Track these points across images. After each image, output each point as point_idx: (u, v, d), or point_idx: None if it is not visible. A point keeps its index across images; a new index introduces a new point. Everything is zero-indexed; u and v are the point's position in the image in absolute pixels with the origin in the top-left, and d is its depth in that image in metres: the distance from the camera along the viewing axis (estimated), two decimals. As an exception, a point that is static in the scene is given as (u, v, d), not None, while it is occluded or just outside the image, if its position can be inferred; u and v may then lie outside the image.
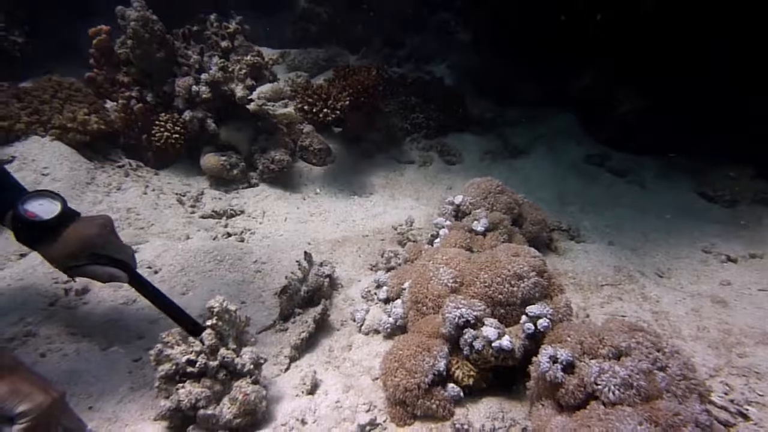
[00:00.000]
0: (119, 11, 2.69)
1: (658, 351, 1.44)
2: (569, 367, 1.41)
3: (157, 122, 2.88)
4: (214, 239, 2.55)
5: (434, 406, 1.57)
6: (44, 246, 1.56)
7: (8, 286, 2.03)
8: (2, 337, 1.78)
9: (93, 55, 2.82)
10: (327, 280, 2.20)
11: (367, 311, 2.09)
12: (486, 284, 1.75)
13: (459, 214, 2.50)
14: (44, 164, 2.57)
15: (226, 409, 1.52)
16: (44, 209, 1.57)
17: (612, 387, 1.32)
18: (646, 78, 3.79)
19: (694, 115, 3.49)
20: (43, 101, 2.73)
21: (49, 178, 2.53)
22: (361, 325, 2.05)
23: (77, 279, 1.70)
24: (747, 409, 1.57)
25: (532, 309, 1.63)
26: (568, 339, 1.48)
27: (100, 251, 1.60)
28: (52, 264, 1.60)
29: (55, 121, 2.65)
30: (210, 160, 2.96)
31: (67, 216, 1.59)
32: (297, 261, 2.18)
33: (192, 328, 1.62)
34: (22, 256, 2.19)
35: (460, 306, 1.63)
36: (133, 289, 1.66)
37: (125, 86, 2.87)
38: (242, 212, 2.87)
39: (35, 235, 1.56)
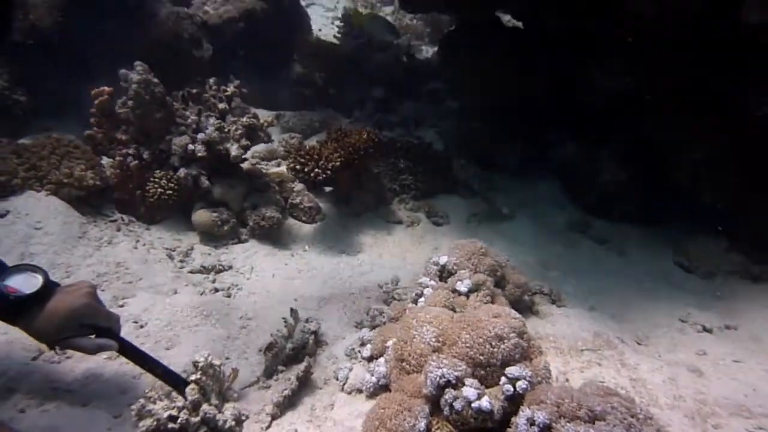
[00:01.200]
0: (122, 74, 2.83)
1: (632, 417, 1.48)
2: (546, 430, 1.44)
3: (152, 179, 2.96)
4: (201, 294, 2.58)
5: (414, 468, 1.58)
6: (28, 321, 1.56)
7: (-10, 338, 2.03)
8: (-17, 392, 1.78)
9: (94, 114, 2.94)
10: (312, 336, 2.23)
11: (351, 369, 2.11)
12: (467, 345, 1.79)
13: (444, 274, 2.56)
14: (37, 218, 2.62)
15: (204, 468, 1.52)
16: (26, 283, 1.57)
17: (587, 450, 1.34)
18: (626, 149, 3.99)
19: (671, 187, 3.65)
20: (41, 157, 2.81)
21: (42, 231, 2.57)
22: (344, 384, 2.07)
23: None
24: (722, 478, 1.58)
25: (512, 371, 1.67)
26: (547, 402, 1.52)
27: (86, 321, 1.62)
28: (37, 339, 1.60)
29: (52, 176, 2.72)
30: (201, 215, 3.03)
31: (49, 288, 1.60)
32: (283, 318, 2.21)
33: (183, 388, 1.64)
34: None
35: (442, 366, 1.67)
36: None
37: (123, 144, 2.97)
38: (231, 268, 2.90)
39: (16, 311, 1.55)
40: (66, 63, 4.22)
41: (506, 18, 5.07)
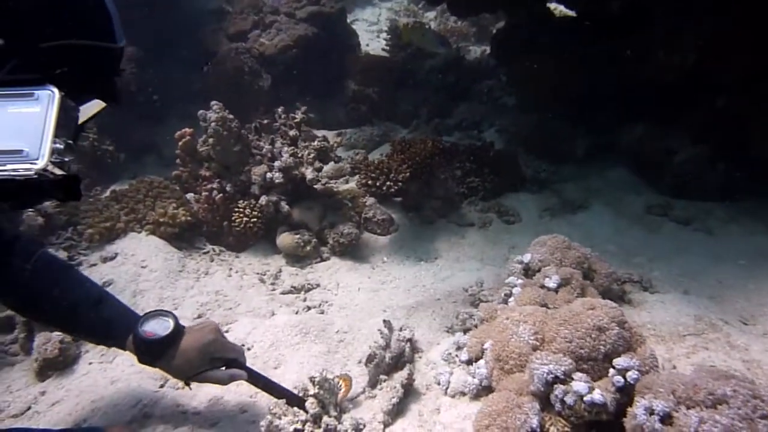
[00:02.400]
0: (201, 115, 3.03)
1: (756, 398, 1.44)
2: (666, 418, 1.43)
3: (236, 209, 3.14)
4: (296, 313, 2.71)
5: (531, 464, 1.60)
6: (165, 361, 1.73)
7: (122, 372, 2.23)
8: (124, 420, 1.96)
9: (179, 156, 3.16)
10: (408, 344, 2.29)
11: (451, 373, 2.15)
12: (567, 339, 1.80)
13: (528, 272, 2.57)
14: (142, 257, 2.85)
15: (332, 476, 1.61)
16: (159, 327, 1.74)
17: (714, 435, 1.33)
18: (699, 125, 3.84)
19: (754, 159, 3.48)
20: (137, 201, 3.06)
21: (147, 269, 2.80)
22: (447, 388, 2.11)
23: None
24: None
25: (620, 362, 1.67)
26: (661, 390, 1.51)
27: (216, 355, 1.77)
28: (174, 376, 1.80)
29: (149, 217, 2.96)
30: (285, 239, 3.18)
31: (179, 329, 1.77)
32: (379, 330, 2.29)
33: (303, 405, 1.78)
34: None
35: (548, 362, 1.69)
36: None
37: (207, 179, 3.18)
38: (318, 285, 3.03)
39: (156, 352, 1.73)
40: (141, 110, 4.56)
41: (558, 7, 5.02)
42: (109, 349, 2.33)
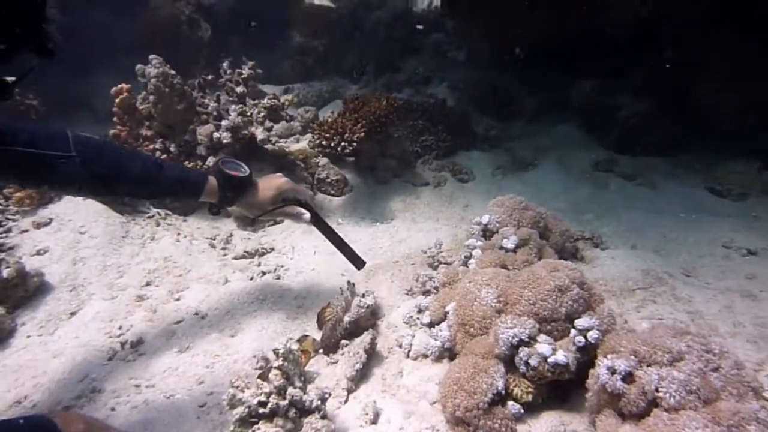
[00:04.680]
0: (139, 69, 2.79)
1: (708, 352, 1.52)
2: (628, 377, 1.48)
3: (181, 170, 2.96)
4: (251, 279, 2.62)
5: (496, 424, 1.63)
6: (246, 197, 2.00)
7: (65, 344, 2.10)
8: (71, 396, 1.85)
9: (116, 114, 2.92)
10: (368, 309, 2.27)
11: (413, 336, 2.16)
12: (530, 302, 1.82)
13: (487, 233, 2.58)
14: (80, 223, 2.65)
15: (300, 447, 1.59)
16: (238, 170, 2.00)
17: (673, 393, 1.39)
18: (645, 80, 3.92)
19: (694, 113, 3.61)
20: (71, 161, 2.81)
21: (87, 235, 2.61)
22: (409, 351, 2.12)
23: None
24: (797, 400, 1.63)
25: (581, 322, 1.70)
26: (622, 349, 1.55)
27: (289, 196, 2.07)
28: (251, 212, 2.05)
29: (87, 179, 2.73)
30: (235, 201, 3.04)
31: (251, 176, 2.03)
32: (340, 288, 2.25)
33: (357, 264, 2.20)
34: (73, 314, 2.26)
35: (513, 326, 1.71)
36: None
37: (149, 139, 2.97)
38: (273, 250, 2.94)
39: (241, 189, 1.98)
40: (67, 60, 4.18)
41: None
42: (48, 321, 2.19)
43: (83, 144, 1.66)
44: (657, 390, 1.41)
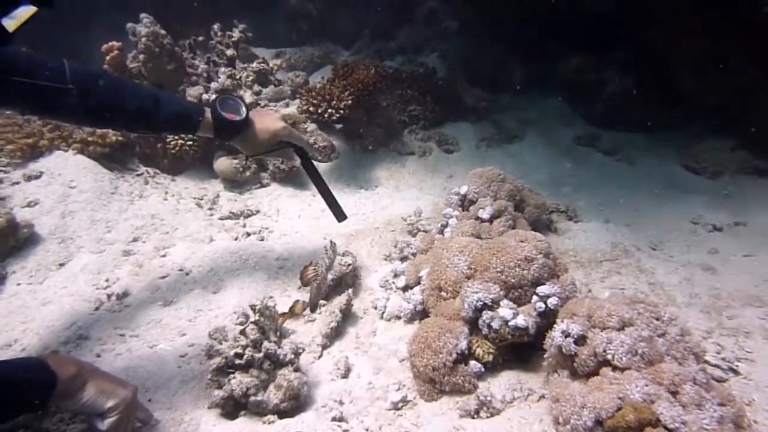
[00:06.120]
0: (130, 28, 2.80)
1: (657, 319, 1.63)
2: (581, 340, 1.59)
3: (170, 131, 3.00)
4: (236, 239, 2.70)
5: (460, 381, 1.76)
6: (242, 138, 2.01)
7: (54, 293, 2.18)
8: (58, 341, 1.94)
9: (107, 72, 2.94)
10: (349, 268, 2.36)
11: (388, 299, 2.26)
12: (498, 269, 1.93)
13: (465, 203, 2.66)
14: (70, 177, 2.70)
15: (272, 395, 1.70)
16: (236, 111, 1.97)
17: (619, 354, 1.50)
18: (629, 57, 3.97)
19: (674, 92, 3.68)
20: (61, 116, 2.85)
21: (77, 190, 2.67)
22: (383, 312, 2.22)
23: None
24: (737, 365, 1.77)
25: (542, 289, 1.81)
26: (579, 314, 1.66)
27: (285, 140, 2.09)
28: (245, 151, 2.09)
29: (77, 135, 2.78)
30: (223, 163, 3.10)
31: (249, 112, 2.02)
32: (324, 247, 2.33)
33: (338, 216, 2.24)
34: (62, 265, 2.34)
35: (478, 290, 1.81)
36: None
37: (137, 98, 2.99)
38: (258, 212, 3.01)
39: (235, 131, 1.98)
40: (60, 15, 4.14)
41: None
42: (37, 271, 2.27)
43: (80, 76, 1.65)
44: (605, 351, 1.52)
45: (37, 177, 2.65)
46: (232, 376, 1.69)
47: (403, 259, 2.53)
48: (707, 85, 3.45)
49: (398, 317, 2.20)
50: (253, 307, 1.78)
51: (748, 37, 3.12)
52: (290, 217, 3.00)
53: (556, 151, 3.99)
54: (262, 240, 2.74)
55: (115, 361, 1.88)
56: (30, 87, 1.54)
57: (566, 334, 1.60)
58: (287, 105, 3.98)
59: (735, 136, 3.55)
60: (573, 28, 4.13)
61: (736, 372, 1.75)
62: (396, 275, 2.38)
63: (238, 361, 1.71)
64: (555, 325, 1.66)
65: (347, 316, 2.21)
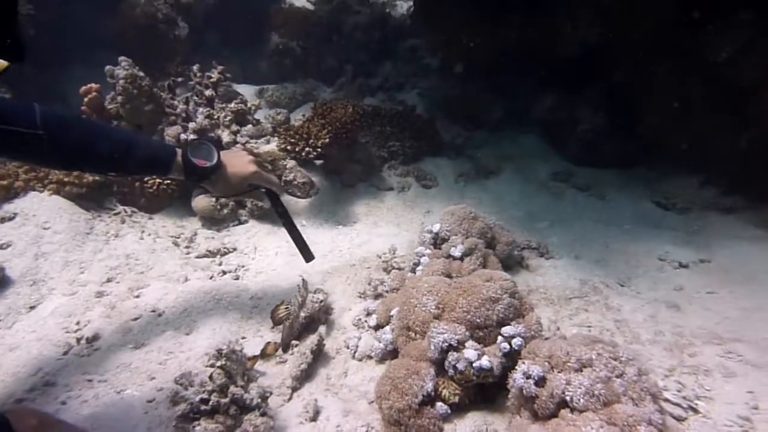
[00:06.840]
0: (108, 71, 2.87)
1: (616, 360, 1.66)
2: (541, 381, 1.62)
3: (148, 170, 3.04)
4: (211, 278, 2.72)
5: (425, 423, 1.77)
6: (212, 182, 2.06)
7: (22, 338, 2.18)
8: (24, 389, 1.93)
9: (85, 112, 2.99)
10: (321, 305, 2.38)
11: (359, 338, 2.28)
12: (464, 309, 1.96)
13: (438, 241, 2.71)
14: (44, 218, 2.72)
15: (238, 441, 1.70)
16: (208, 156, 2.02)
17: (577, 396, 1.53)
18: (600, 97, 4.10)
19: (644, 129, 3.80)
20: (38, 157, 2.88)
21: (51, 231, 2.68)
22: (355, 352, 2.24)
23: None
24: (696, 404, 1.80)
25: (507, 330, 1.84)
26: (539, 355, 1.69)
27: (255, 183, 2.14)
28: (216, 192, 2.14)
29: (53, 176, 2.81)
30: (201, 202, 3.13)
31: (220, 158, 2.06)
32: (297, 285, 2.35)
33: (306, 256, 2.32)
34: (32, 308, 2.34)
35: (444, 331, 1.84)
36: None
37: (116, 138, 3.03)
38: (235, 249, 3.03)
39: (205, 176, 2.03)
40: (41, 54, 4.21)
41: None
42: (7, 315, 2.27)
43: (51, 121, 1.65)
44: (563, 393, 1.55)
45: (10, 218, 2.67)
46: (197, 422, 1.69)
47: (377, 296, 2.56)
48: (673, 124, 3.57)
49: (370, 356, 2.22)
50: (219, 351, 1.80)
51: (709, 79, 3.26)
52: (267, 254, 3.03)
53: (533, 187, 4.07)
54: (237, 279, 2.76)
55: (81, 408, 1.87)
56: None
57: (527, 376, 1.63)
58: (268, 141, 4.05)
59: (702, 173, 3.66)
60: (548, 68, 4.27)
61: (695, 410, 1.77)
62: (368, 314, 2.41)
63: (203, 407, 1.72)
64: (517, 367, 1.68)
65: (318, 356, 2.22)
